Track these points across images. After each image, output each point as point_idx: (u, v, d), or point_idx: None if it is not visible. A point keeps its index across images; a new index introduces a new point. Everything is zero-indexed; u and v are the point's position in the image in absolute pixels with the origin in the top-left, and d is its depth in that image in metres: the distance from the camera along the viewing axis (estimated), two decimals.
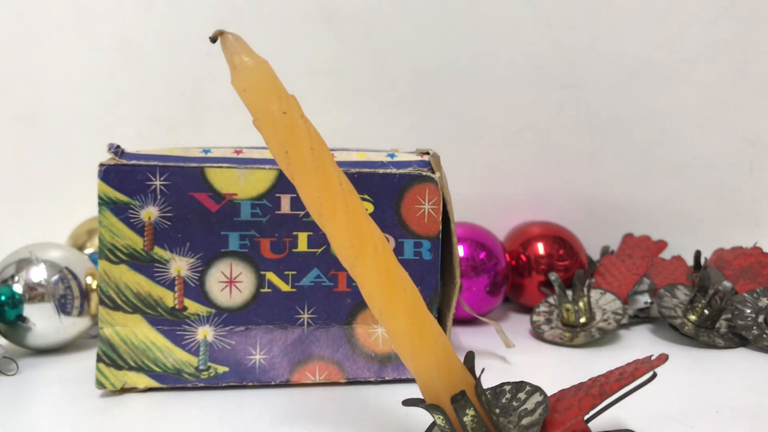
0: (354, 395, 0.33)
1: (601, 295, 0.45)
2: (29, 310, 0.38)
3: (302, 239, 0.34)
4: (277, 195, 0.33)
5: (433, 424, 0.28)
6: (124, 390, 0.33)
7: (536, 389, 0.26)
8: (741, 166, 0.60)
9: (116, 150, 0.33)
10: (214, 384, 0.34)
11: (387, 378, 0.35)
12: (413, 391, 0.33)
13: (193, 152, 0.34)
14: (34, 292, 0.38)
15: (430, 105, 0.59)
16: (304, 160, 0.25)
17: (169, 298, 0.33)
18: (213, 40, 0.26)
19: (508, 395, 0.27)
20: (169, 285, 0.33)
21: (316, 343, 0.34)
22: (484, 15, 0.58)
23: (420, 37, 0.58)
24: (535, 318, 0.45)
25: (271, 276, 0.34)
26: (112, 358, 0.33)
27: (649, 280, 0.50)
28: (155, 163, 0.33)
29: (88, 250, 0.49)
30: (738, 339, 0.42)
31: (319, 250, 0.34)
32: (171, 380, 0.33)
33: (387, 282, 0.26)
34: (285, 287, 0.34)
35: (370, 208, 0.34)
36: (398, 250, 0.34)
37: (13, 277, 0.38)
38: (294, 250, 0.34)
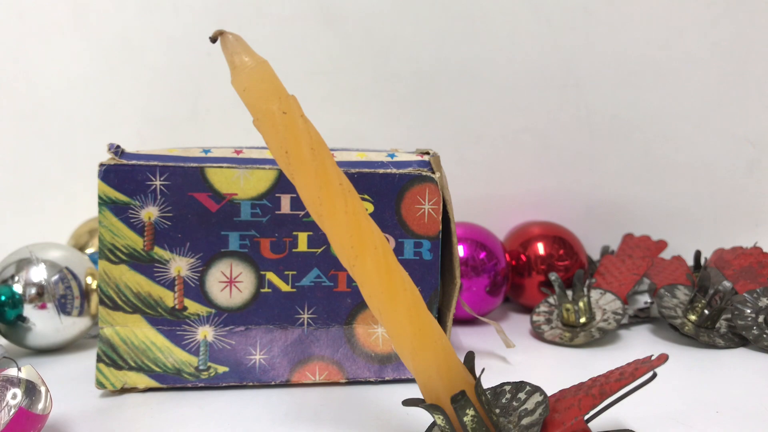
0: (354, 395, 0.33)
1: (601, 295, 0.45)
2: (29, 310, 0.38)
3: (302, 239, 0.34)
4: (277, 195, 0.33)
5: (433, 424, 0.28)
6: (124, 390, 0.33)
7: (536, 389, 0.26)
8: (741, 166, 0.60)
9: (116, 150, 0.33)
10: (214, 384, 0.34)
11: (387, 378, 0.35)
12: (413, 391, 0.33)
13: (193, 152, 0.34)
14: (34, 292, 0.38)
15: (430, 105, 0.59)
16: (304, 160, 0.25)
17: (169, 298, 0.33)
18: (213, 40, 0.26)
19: (508, 395, 0.27)
20: (169, 285, 0.33)
21: (316, 343, 0.34)
22: (484, 15, 0.58)
23: (420, 37, 0.58)
24: (535, 318, 0.45)
25: (271, 276, 0.34)
26: (112, 358, 0.33)
27: (649, 280, 0.50)
28: (155, 163, 0.33)
29: (90, 250, 0.49)
30: (738, 339, 0.42)
31: (319, 250, 0.34)
32: (171, 380, 0.33)
33: (387, 282, 0.26)
34: (285, 287, 0.34)
35: (370, 208, 0.34)
36: (398, 250, 0.34)
37: (13, 277, 0.38)
38: (294, 250, 0.34)
